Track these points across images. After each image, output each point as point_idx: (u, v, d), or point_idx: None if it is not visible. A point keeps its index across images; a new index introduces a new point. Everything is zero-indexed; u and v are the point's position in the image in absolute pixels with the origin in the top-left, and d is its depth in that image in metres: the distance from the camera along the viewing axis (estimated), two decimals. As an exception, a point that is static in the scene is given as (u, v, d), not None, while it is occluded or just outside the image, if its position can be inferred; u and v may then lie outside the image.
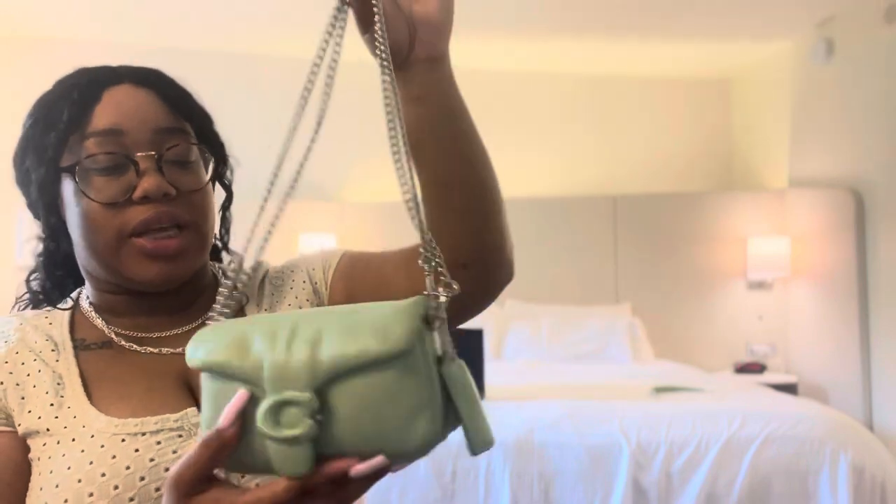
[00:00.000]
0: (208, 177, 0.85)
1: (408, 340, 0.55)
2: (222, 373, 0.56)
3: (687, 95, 5.57)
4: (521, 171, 5.27)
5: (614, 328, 4.55)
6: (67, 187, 0.79)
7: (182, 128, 0.82)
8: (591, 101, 5.49)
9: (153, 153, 0.78)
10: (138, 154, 0.78)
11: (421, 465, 2.67)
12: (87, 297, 0.85)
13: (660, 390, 3.34)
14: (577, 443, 2.72)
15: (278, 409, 0.53)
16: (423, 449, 0.56)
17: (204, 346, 0.57)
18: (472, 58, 4.94)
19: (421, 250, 0.61)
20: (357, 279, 0.87)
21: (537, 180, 5.29)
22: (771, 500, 2.64)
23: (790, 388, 4.24)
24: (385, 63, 0.65)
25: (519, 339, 4.58)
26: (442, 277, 0.60)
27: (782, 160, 4.95)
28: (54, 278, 0.87)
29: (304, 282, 0.89)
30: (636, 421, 2.78)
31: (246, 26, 4.62)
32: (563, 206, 4.93)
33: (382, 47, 0.65)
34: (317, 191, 5.06)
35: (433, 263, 0.61)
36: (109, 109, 0.79)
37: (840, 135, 4.36)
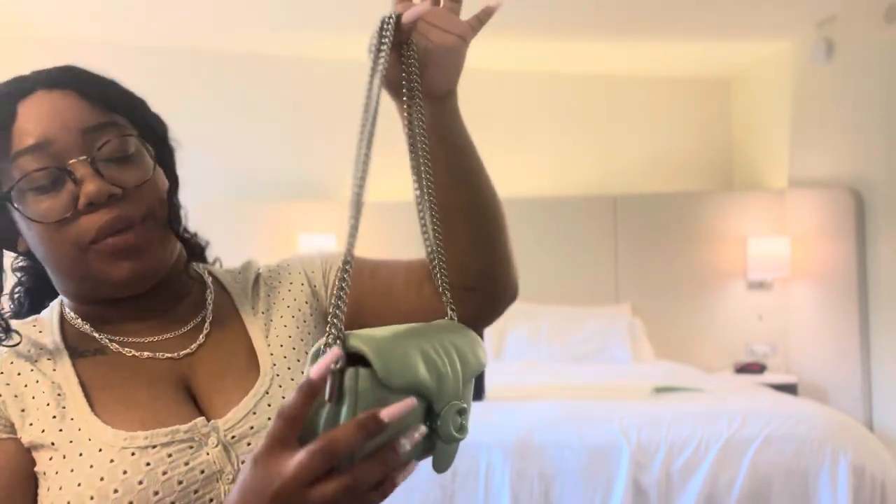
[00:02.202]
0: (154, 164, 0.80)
1: None
2: (409, 389, 0.60)
3: (687, 95, 5.56)
4: (521, 171, 5.27)
5: (614, 328, 4.55)
6: (15, 213, 0.76)
7: (111, 121, 0.77)
8: (591, 101, 5.49)
9: (84, 157, 0.74)
10: (70, 162, 0.74)
11: (421, 466, 2.66)
12: (69, 309, 0.81)
13: (660, 390, 3.34)
14: (577, 443, 2.71)
15: (454, 416, 0.64)
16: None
17: (402, 365, 0.60)
18: (471, 58, 4.92)
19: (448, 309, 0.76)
20: (364, 287, 0.86)
21: (537, 180, 5.29)
22: (771, 501, 2.64)
23: (790, 389, 4.23)
24: (415, 92, 0.73)
25: (519, 340, 4.57)
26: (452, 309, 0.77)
27: (782, 160, 4.95)
28: (18, 306, 0.85)
29: (302, 284, 0.88)
30: (636, 421, 2.78)
31: (245, 26, 4.61)
32: (563, 206, 4.93)
33: (415, 76, 0.73)
34: (317, 191, 5.06)
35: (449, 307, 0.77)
36: (28, 123, 0.74)
37: (840, 135, 4.36)
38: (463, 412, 0.65)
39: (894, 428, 3.94)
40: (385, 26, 0.70)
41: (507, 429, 2.75)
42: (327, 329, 0.59)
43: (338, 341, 0.58)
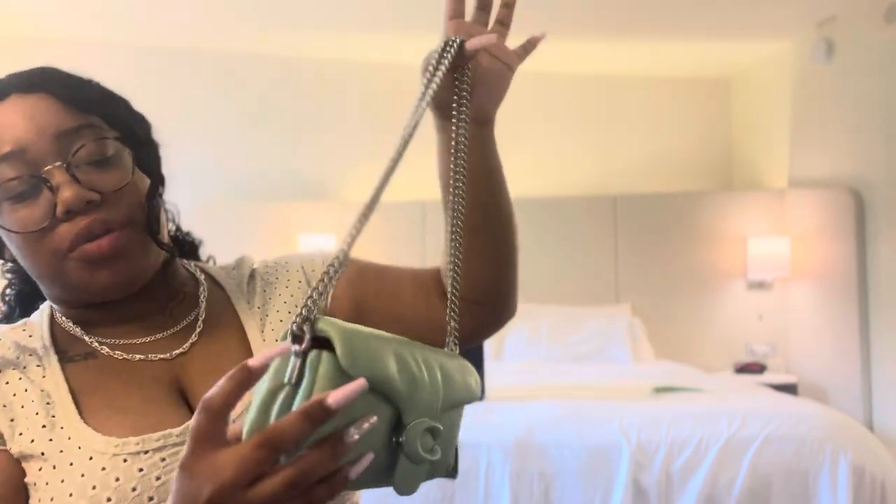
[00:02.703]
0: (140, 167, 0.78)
1: None
2: (373, 385, 0.56)
3: (687, 95, 5.56)
4: (520, 171, 5.25)
5: (614, 328, 4.55)
6: None
7: (88, 124, 0.74)
8: (591, 101, 5.49)
9: (59, 163, 0.72)
10: (45, 169, 0.71)
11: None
12: (59, 312, 0.80)
13: (660, 390, 3.34)
14: (577, 443, 2.72)
15: (424, 433, 0.59)
16: (456, 472, 0.68)
17: (370, 357, 0.56)
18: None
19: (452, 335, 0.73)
20: (369, 292, 0.86)
21: (537, 180, 5.29)
22: (771, 501, 2.64)
23: (790, 389, 4.23)
24: (464, 115, 0.75)
25: (519, 340, 4.58)
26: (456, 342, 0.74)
27: (782, 160, 4.95)
28: (11, 310, 0.85)
29: (299, 281, 0.86)
30: (636, 421, 2.78)
31: (245, 26, 4.61)
32: (563, 206, 4.93)
33: (465, 99, 0.75)
34: (317, 191, 5.07)
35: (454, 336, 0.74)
36: (2, 130, 0.72)
37: (840, 135, 4.36)
38: (436, 433, 0.60)
39: (894, 428, 3.94)
40: (448, 49, 0.72)
41: (507, 429, 2.75)
42: (300, 309, 0.56)
43: (307, 322, 0.55)
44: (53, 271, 0.74)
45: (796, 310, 4.65)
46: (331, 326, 0.56)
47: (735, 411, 2.81)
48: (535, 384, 3.61)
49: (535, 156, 5.37)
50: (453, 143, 0.75)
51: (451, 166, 0.75)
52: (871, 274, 4.13)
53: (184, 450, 0.54)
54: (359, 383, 0.53)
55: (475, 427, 2.77)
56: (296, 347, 0.55)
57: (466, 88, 0.76)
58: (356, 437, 0.53)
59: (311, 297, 0.56)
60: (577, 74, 5.43)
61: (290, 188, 5.03)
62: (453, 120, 0.75)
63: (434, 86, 0.68)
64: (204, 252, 0.93)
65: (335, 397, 0.51)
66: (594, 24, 4.59)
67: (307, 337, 0.55)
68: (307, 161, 5.12)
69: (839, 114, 4.35)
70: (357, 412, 0.54)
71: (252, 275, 0.87)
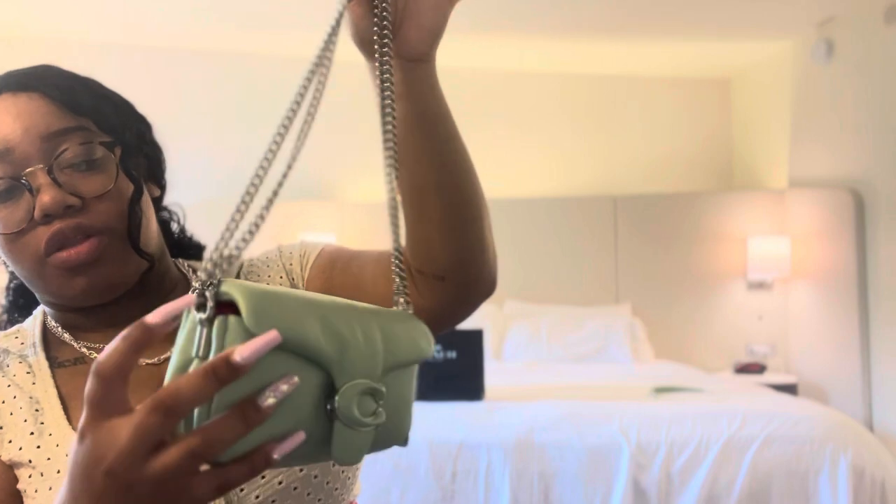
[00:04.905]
0: (138, 172, 0.76)
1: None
2: (292, 347, 0.50)
3: (687, 95, 5.57)
4: (521, 172, 5.27)
5: (614, 328, 4.55)
6: None
7: (77, 126, 0.72)
8: (591, 101, 5.49)
9: (41, 166, 0.70)
10: (27, 171, 0.70)
11: (421, 466, 2.67)
12: (51, 317, 0.79)
13: (660, 391, 3.34)
14: (577, 443, 2.72)
15: (361, 396, 0.54)
16: (407, 439, 0.61)
17: (284, 319, 0.50)
18: (472, 57, 4.94)
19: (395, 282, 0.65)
20: (335, 280, 0.81)
21: (538, 180, 5.29)
22: (771, 501, 2.64)
23: (790, 389, 4.24)
24: (385, 52, 0.64)
25: (519, 340, 4.58)
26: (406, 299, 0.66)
27: (782, 160, 4.95)
28: (17, 307, 0.85)
29: (280, 277, 0.83)
30: (636, 421, 2.78)
31: (246, 27, 4.61)
32: (563, 206, 4.93)
33: (385, 33, 0.63)
34: (317, 191, 5.07)
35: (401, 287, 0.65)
36: None
37: (840, 135, 4.36)
38: (378, 396, 0.55)
39: (894, 428, 3.94)
40: None
41: (507, 429, 2.75)
42: (199, 273, 0.50)
43: (209, 286, 0.49)
44: (34, 275, 0.73)
45: (796, 310, 4.65)
46: (234, 287, 0.50)
47: (735, 411, 2.82)
48: (535, 384, 3.61)
49: (535, 156, 5.37)
50: (377, 83, 0.64)
51: (379, 109, 0.64)
52: (871, 274, 4.13)
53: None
54: (270, 335, 0.47)
55: (475, 427, 2.77)
56: (200, 315, 0.49)
57: (387, 17, 0.63)
58: (272, 400, 0.48)
59: (210, 259, 0.50)
60: (578, 74, 5.43)
61: (290, 188, 4.98)
62: (375, 56, 0.64)
63: (341, 7, 0.58)
64: (206, 254, 0.92)
65: (242, 352, 0.46)
66: (594, 24, 4.59)
67: (210, 303, 0.49)
68: (307, 161, 5.11)
69: (839, 114, 4.35)
70: (275, 375, 0.49)
71: (239, 273, 0.86)
